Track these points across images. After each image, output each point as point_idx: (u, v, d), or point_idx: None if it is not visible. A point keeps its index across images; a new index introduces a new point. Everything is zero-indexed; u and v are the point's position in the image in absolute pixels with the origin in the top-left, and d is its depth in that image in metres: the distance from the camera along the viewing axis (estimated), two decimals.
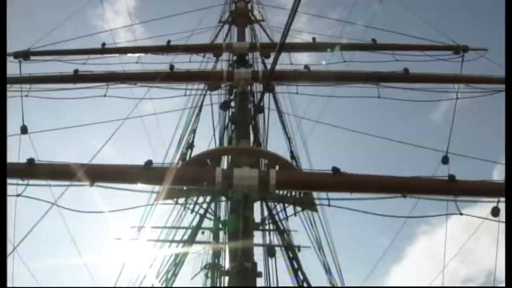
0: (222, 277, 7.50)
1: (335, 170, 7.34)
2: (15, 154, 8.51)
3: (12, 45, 11.40)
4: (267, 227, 8.37)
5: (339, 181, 7.37)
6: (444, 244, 9.17)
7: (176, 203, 8.06)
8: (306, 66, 10.55)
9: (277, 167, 7.84)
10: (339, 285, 9.12)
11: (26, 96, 10.10)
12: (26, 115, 9.55)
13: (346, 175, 7.41)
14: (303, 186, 7.74)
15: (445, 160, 8.37)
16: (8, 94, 10.10)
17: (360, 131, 9.49)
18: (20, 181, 7.34)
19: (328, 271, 9.10)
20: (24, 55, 11.23)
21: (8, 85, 10.16)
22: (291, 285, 8.74)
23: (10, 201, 7.45)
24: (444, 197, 7.35)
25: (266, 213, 8.30)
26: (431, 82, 10.15)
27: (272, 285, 8.95)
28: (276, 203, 8.20)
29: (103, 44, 11.87)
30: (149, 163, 7.09)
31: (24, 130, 9.22)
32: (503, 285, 5.13)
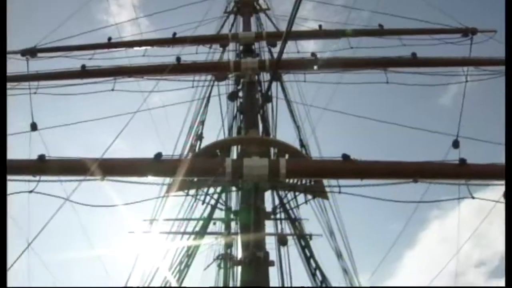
0: (235, 267, 7.54)
1: (345, 157, 7.31)
2: (26, 151, 8.57)
3: (19, 43, 11.47)
4: (278, 216, 8.39)
5: (349, 168, 7.34)
6: (457, 228, 9.15)
7: (187, 194, 8.08)
8: (313, 54, 10.48)
9: (286, 156, 7.84)
10: (352, 272, 9.15)
11: (35, 93, 10.13)
12: (35, 112, 9.58)
13: (356, 161, 7.37)
14: (313, 174, 7.72)
15: (455, 144, 8.30)
16: (16, 91, 10.21)
17: (369, 117, 9.45)
18: (31, 178, 7.40)
19: (340, 258, 9.12)
20: (31, 53, 11.27)
21: (15, 83, 10.26)
22: (303, 273, 8.79)
23: (23, 198, 7.53)
24: (456, 181, 7.32)
25: (277, 202, 8.34)
26: (439, 66, 10.05)
27: (284, 274, 9.01)
28: (286, 192, 8.21)
29: (109, 39, 11.88)
30: (158, 155, 7.11)
31: (33, 127, 9.25)
32: None
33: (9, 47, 11.31)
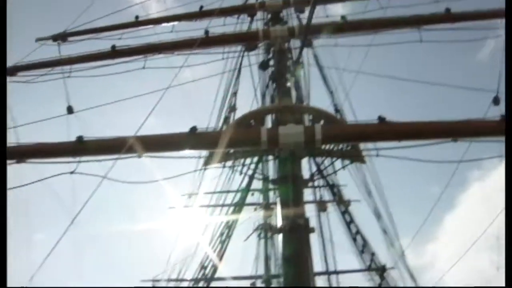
0: (275, 236, 7.58)
1: (381, 119, 7.15)
2: (64, 134, 8.74)
3: (50, 29, 11.61)
4: (316, 183, 8.36)
5: (386, 130, 7.18)
6: (499, 189, 8.91)
7: (224, 166, 8.11)
8: (342, 17, 10.26)
9: (321, 122, 7.75)
10: (393, 235, 9.08)
11: (68, 77, 10.29)
12: (70, 95, 9.73)
13: (392, 123, 7.22)
14: (350, 138, 7.59)
15: (496, 101, 8.03)
16: (51, 77, 10.40)
17: (404, 78, 9.24)
18: (72, 159, 7.56)
19: (380, 222, 9.06)
20: (62, 37, 11.42)
21: (49, 68, 10.44)
22: (344, 238, 8.78)
23: (64, 179, 7.70)
24: (497, 139, 7.09)
25: (314, 169, 8.29)
26: (475, 20, 9.67)
27: (325, 240, 9.03)
28: (323, 158, 8.14)
29: (136, 17, 11.90)
30: (194, 129, 7.11)
31: (70, 110, 9.39)
32: None
33: (39, 34, 11.54)
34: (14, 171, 7.89)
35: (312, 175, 8.21)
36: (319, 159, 8.17)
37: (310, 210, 7.99)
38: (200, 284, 11.69)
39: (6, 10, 7.18)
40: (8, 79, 10.01)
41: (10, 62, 10.09)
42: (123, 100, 9.80)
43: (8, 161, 7.83)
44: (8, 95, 9.62)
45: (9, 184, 7.73)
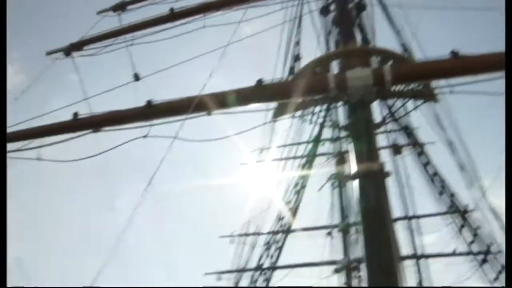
0: (350, 183, 7.48)
1: (454, 53, 6.77)
2: (133, 101, 8.98)
3: (109, 1, 11.80)
4: (389, 126, 8.13)
5: (459, 65, 6.79)
6: None
7: (293, 117, 8.05)
8: None
9: (390, 62, 7.46)
10: (473, 175, 8.76)
11: (131, 45, 10.45)
12: (134, 63, 9.91)
13: (467, 57, 6.82)
14: (420, 76, 7.25)
15: None
16: (114, 47, 10.60)
17: (473, 7, 8.69)
18: (143, 124, 7.77)
19: (458, 163, 8.75)
20: (121, 7, 11.57)
21: (112, 39, 10.64)
22: (422, 182, 8.57)
23: (137, 144, 7.94)
24: None
25: (385, 112, 8.06)
26: None
27: (402, 184, 8.84)
28: (394, 100, 7.89)
29: None
30: (260, 81, 7.05)
31: (136, 77, 9.59)
32: None
33: (99, 8, 11.77)
34: (92, 140, 8.23)
35: (384, 119, 7.99)
36: (390, 102, 7.92)
37: (384, 155, 7.79)
38: (278, 236, 11.96)
39: (6, 10, 7.34)
40: (75, 53, 10.33)
41: (75, 38, 10.40)
42: (186, 61, 9.89)
43: (85, 131, 8.17)
44: (77, 70, 9.99)
45: (87, 153, 8.11)
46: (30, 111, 8.80)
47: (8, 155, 8.52)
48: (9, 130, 8.52)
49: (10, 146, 8.52)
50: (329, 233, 19.80)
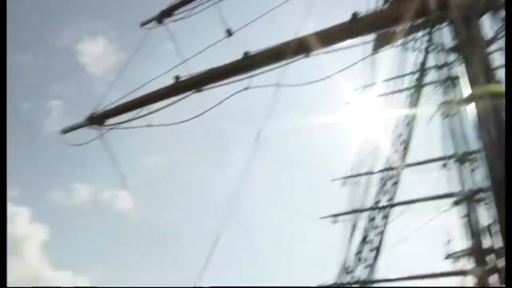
0: (465, 108, 6.98)
1: None
2: (228, 58, 9.04)
3: None
4: (502, 42, 7.41)
5: None
6: None
7: (394, 47, 7.65)
8: None
9: None
10: None
11: (220, 0, 10.46)
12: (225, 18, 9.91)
13: None
14: None
15: None
16: (203, 6, 10.69)
17: None
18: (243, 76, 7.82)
19: None
20: None
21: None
22: None
23: (238, 98, 8.01)
24: None
25: (497, 26, 7.34)
26: None
27: None
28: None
29: None
30: (355, 15, 6.73)
31: (229, 32, 9.62)
32: None
33: None
34: (194, 101, 8.45)
35: (496, 34, 7.30)
36: (501, 13, 7.19)
37: (500, 75, 7.13)
38: (392, 172, 11.68)
39: (6, 10, 7.41)
40: (167, 20, 10.56)
41: (163, 6, 10.61)
42: (277, 7, 9.72)
43: (188, 92, 8.39)
44: (171, 36, 10.20)
45: (191, 114, 8.35)
46: (134, 84, 9.22)
47: (121, 125, 9.03)
48: (118, 103, 9.00)
49: (121, 117, 9.03)
50: (444, 165, 19.03)
